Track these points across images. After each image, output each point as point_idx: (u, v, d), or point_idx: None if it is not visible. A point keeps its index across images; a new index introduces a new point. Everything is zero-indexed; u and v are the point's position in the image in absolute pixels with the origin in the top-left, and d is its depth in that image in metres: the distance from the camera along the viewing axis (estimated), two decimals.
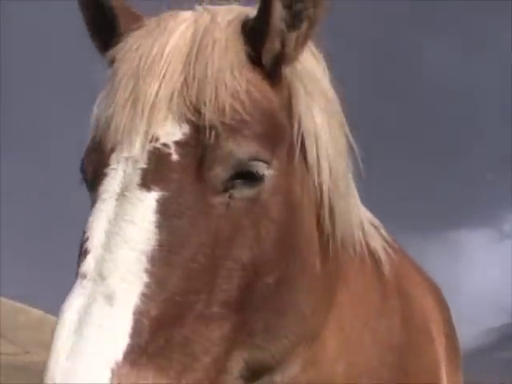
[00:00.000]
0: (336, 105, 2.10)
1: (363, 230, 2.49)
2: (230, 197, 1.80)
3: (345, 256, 2.34)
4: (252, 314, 1.84)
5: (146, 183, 1.72)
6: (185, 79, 1.80)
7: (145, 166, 1.73)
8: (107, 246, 1.64)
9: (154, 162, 1.73)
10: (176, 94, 1.77)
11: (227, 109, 1.79)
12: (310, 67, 2.03)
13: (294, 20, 1.92)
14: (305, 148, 2.00)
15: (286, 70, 1.96)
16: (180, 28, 1.91)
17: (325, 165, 2.02)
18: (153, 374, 1.61)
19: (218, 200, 1.78)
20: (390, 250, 2.69)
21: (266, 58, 1.93)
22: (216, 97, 1.77)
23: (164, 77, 1.78)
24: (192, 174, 1.75)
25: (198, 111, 1.77)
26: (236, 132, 1.79)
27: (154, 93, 1.74)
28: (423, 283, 3.13)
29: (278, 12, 1.89)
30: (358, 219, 2.44)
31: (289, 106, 1.97)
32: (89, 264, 1.62)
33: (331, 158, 2.06)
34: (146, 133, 1.73)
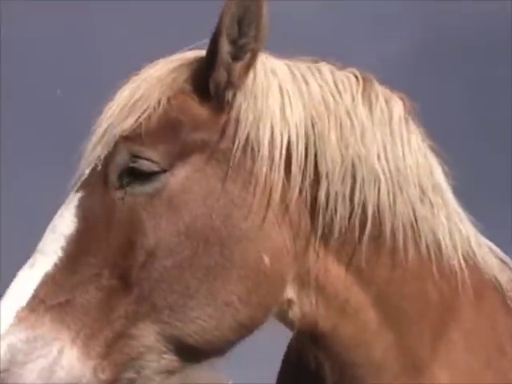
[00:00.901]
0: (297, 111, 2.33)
1: (470, 251, 2.54)
2: (125, 192, 2.18)
3: (444, 285, 2.48)
4: (152, 291, 2.14)
5: (78, 189, 2.24)
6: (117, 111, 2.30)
7: (85, 177, 2.26)
8: (47, 232, 2.20)
9: (90, 174, 2.25)
10: (106, 124, 2.29)
11: (129, 122, 2.23)
12: (262, 85, 2.30)
13: (239, 53, 2.26)
14: (253, 155, 2.27)
15: (230, 94, 2.28)
16: (144, 74, 2.36)
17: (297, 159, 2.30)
18: (49, 322, 2.06)
19: (117, 195, 2.18)
20: None
21: (212, 87, 2.27)
22: (126, 116, 2.24)
23: (108, 115, 2.31)
24: (103, 178, 2.22)
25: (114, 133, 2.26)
26: (129, 140, 2.22)
27: (100, 127, 2.29)
28: None
29: (225, 47, 2.25)
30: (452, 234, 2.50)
31: (230, 123, 2.27)
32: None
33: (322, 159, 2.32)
34: (92, 155, 2.26)
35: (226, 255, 2.21)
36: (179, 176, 2.22)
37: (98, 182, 2.23)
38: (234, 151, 2.25)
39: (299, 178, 2.31)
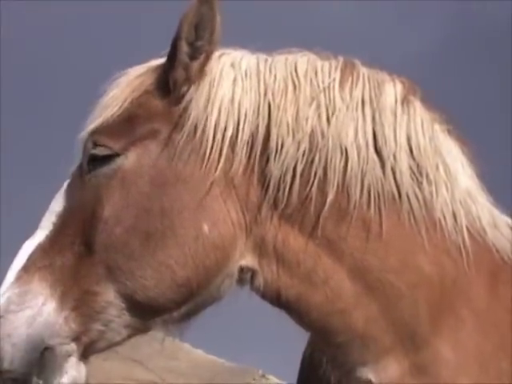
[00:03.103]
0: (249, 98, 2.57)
1: (481, 231, 2.59)
2: (91, 175, 2.56)
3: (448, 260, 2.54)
4: (106, 254, 2.49)
5: (69, 177, 2.65)
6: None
7: (74, 168, 2.66)
8: (47, 211, 2.61)
9: (77, 166, 2.65)
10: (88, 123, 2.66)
11: (99, 120, 2.60)
12: (215, 78, 2.59)
13: (195, 53, 2.57)
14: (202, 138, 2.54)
15: (185, 89, 2.57)
16: (119, 79, 2.69)
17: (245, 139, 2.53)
18: (36, 280, 2.49)
19: (87, 178, 2.56)
20: None
21: (171, 84, 2.58)
22: (99, 115, 2.61)
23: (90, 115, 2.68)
24: (80, 166, 2.62)
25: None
26: (95, 132, 2.59)
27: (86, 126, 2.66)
28: None
29: (184, 48, 2.56)
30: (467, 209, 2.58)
31: (182, 113, 2.56)
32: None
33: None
34: (78, 150, 2.66)
35: (166, 224, 2.50)
36: (131, 158, 2.56)
37: (78, 170, 2.63)
38: (182, 135, 2.54)
39: (244, 155, 2.52)
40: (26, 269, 2.52)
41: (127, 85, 2.66)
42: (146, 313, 2.55)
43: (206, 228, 2.51)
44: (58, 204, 2.62)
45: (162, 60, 2.69)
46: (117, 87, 2.67)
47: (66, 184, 2.66)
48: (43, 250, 2.55)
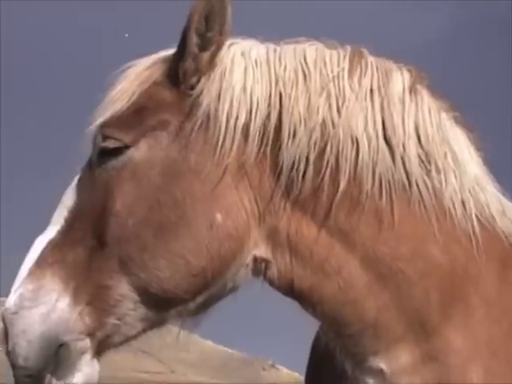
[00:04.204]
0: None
1: (490, 219, 2.60)
2: (102, 168, 2.55)
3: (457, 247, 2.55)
4: (118, 247, 2.48)
5: (79, 171, 2.64)
6: None
7: (84, 162, 2.65)
8: (58, 207, 2.60)
9: (87, 160, 2.64)
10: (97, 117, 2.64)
11: (108, 113, 2.58)
12: (226, 68, 2.58)
13: (205, 44, 2.56)
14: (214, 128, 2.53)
15: (195, 80, 2.56)
16: (126, 72, 2.67)
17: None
18: (49, 275, 2.48)
19: (97, 171, 2.55)
20: None
21: (181, 75, 2.57)
22: (107, 108, 2.60)
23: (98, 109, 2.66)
24: (90, 160, 2.61)
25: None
26: (104, 126, 2.57)
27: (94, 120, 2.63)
28: None
29: (194, 39, 2.55)
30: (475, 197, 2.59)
31: (193, 104, 2.55)
32: None
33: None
34: (88, 144, 2.64)
35: (178, 215, 2.50)
36: (142, 149, 2.55)
37: (88, 164, 2.62)
38: (193, 126, 2.53)
39: (256, 143, 2.52)
40: (39, 264, 2.52)
41: (135, 77, 2.64)
42: (160, 305, 2.54)
43: (219, 217, 2.50)
44: (68, 199, 2.60)
45: (170, 51, 2.67)
46: (125, 80, 2.66)
47: (76, 179, 2.64)
48: (55, 245, 2.54)
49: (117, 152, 2.55)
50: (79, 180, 2.63)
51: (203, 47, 2.57)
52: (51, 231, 2.57)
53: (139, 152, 2.55)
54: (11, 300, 2.50)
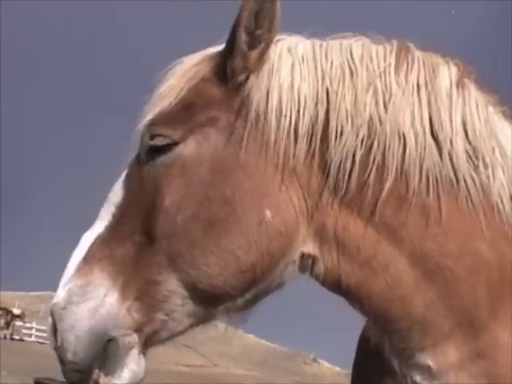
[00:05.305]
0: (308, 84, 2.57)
1: None
2: (150, 166, 2.57)
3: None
4: (168, 243, 2.50)
5: (126, 168, 2.67)
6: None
7: (131, 159, 2.69)
8: (105, 203, 2.64)
9: (134, 156, 2.67)
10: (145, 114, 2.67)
11: (156, 110, 2.61)
12: (274, 66, 2.58)
13: (254, 42, 2.55)
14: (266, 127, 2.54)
15: (244, 77, 2.57)
16: (173, 69, 2.70)
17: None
18: (97, 271, 2.51)
19: (146, 168, 2.58)
20: None
21: (229, 72, 2.58)
22: (155, 106, 2.62)
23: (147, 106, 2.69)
24: (138, 157, 2.64)
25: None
26: (152, 124, 2.60)
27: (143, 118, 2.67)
28: None
29: (243, 37, 2.55)
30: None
31: (242, 102, 2.56)
32: None
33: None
34: (136, 141, 2.67)
35: (228, 211, 2.50)
36: (191, 146, 2.55)
37: (136, 161, 2.64)
38: (243, 124, 2.54)
39: (305, 142, 2.52)
40: (87, 260, 2.53)
41: (183, 74, 2.65)
42: (209, 301, 2.55)
43: (268, 214, 2.50)
44: (116, 195, 2.62)
45: (218, 47, 2.67)
46: (173, 76, 2.66)
47: (123, 175, 2.67)
48: (103, 241, 2.56)
49: (165, 149, 2.56)
50: (126, 176, 2.65)
51: (252, 45, 2.57)
52: (99, 226, 2.58)
53: (188, 148, 2.56)
54: (60, 295, 2.52)
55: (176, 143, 2.56)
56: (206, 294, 2.52)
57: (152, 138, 2.58)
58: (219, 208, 2.50)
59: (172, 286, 2.50)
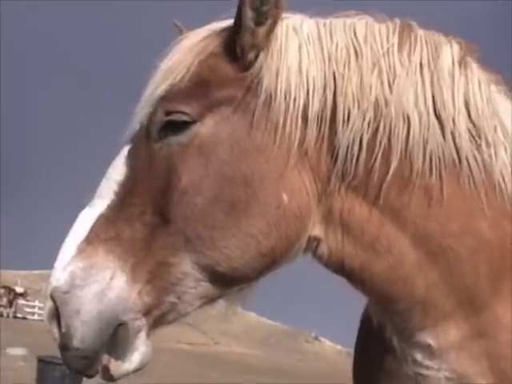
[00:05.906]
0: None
1: None
2: (163, 143, 2.49)
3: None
4: (185, 224, 2.42)
5: (128, 142, 2.57)
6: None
7: (134, 132, 2.59)
8: (103, 179, 2.53)
9: (138, 130, 2.57)
10: (151, 88, 2.61)
11: (166, 84, 2.53)
12: (282, 45, 2.56)
13: (261, 19, 2.51)
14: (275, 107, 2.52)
15: (253, 55, 2.53)
16: (180, 43, 2.65)
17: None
18: (102, 252, 2.41)
19: (157, 146, 2.49)
20: None
21: (238, 50, 2.53)
22: (164, 79, 2.55)
23: (153, 80, 2.62)
24: (146, 132, 2.54)
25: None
26: (165, 99, 2.52)
27: (147, 90, 2.62)
28: None
29: (249, 14, 2.50)
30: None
31: (253, 80, 2.52)
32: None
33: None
34: (140, 114, 2.59)
35: (249, 193, 2.46)
36: (208, 125, 2.50)
37: (143, 136, 2.54)
38: (257, 104, 2.50)
39: (316, 126, 2.51)
40: (89, 241, 2.43)
41: (190, 48, 2.60)
42: (226, 283, 2.52)
43: (285, 197, 2.48)
44: (118, 172, 2.52)
45: (223, 23, 2.65)
46: (179, 51, 2.61)
47: (125, 151, 2.56)
48: (107, 221, 2.46)
49: (181, 127, 2.50)
50: (129, 153, 2.55)
51: (259, 22, 2.53)
52: (100, 205, 2.48)
53: (206, 128, 2.50)
54: (61, 278, 2.43)
55: (194, 121, 2.49)
56: (224, 277, 2.48)
57: (167, 114, 2.51)
58: (240, 189, 2.46)
59: (186, 268, 2.45)
